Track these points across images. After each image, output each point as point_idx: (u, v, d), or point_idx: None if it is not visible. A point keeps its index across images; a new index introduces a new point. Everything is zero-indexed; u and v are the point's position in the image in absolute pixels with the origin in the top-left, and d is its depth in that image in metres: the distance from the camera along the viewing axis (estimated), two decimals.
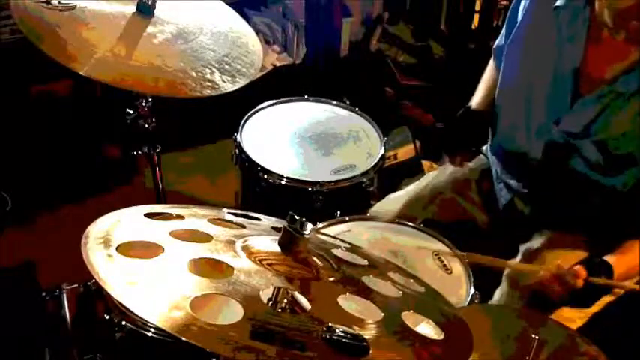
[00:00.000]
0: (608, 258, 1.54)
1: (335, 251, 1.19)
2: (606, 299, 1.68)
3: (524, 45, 1.65)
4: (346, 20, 3.27)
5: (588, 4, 1.51)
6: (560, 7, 1.55)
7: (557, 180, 1.66)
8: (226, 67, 1.58)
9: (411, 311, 1.05)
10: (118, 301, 0.91)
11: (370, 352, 0.91)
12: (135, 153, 1.83)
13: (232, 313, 0.91)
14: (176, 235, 1.05)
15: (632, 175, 1.56)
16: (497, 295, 1.70)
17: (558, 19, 1.56)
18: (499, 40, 1.81)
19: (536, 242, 1.71)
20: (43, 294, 1.64)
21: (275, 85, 2.92)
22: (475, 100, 1.85)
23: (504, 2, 3.29)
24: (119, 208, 1.12)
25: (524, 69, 1.66)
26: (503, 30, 1.78)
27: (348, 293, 1.04)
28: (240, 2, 2.34)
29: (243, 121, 1.93)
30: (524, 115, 1.65)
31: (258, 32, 3.11)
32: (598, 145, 1.55)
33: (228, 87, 1.54)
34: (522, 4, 1.66)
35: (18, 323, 1.77)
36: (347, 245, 1.29)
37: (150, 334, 1.33)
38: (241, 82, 1.57)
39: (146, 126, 1.77)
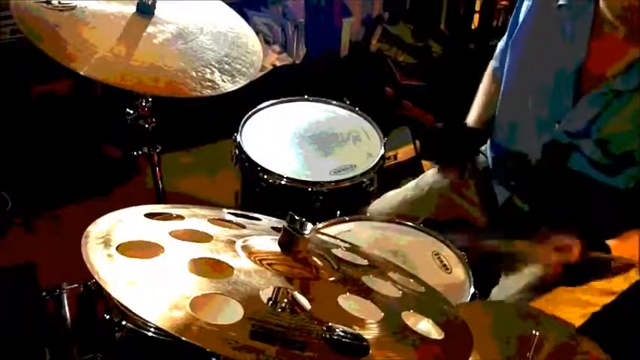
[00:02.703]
0: (609, 242, 1.54)
1: (335, 251, 1.19)
2: (607, 299, 1.68)
3: (527, 44, 1.66)
4: (346, 20, 3.27)
5: (592, 1, 1.51)
6: (565, 5, 1.55)
7: (557, 179, 1.66)
8: (226, 67, 1.58)
9: (411, 311, 1.06)
10: (118, 301, 0.91)
11: (370, 352, 0.91)
12: (135, 153, 1.83)
13: (232, 313, 0.91)
14: (176, 235, 1.05)
15: (633, 174, 1.56)
16: (496, 291, 1.70)
17: (562, 17, 1.56)
18: (502, 44, 1.81)
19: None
20: (43, 294, 1.64)
21: (275, 85, 2.92)
22: (471, 118, 1.85)
23: (504, 2, 3.29)
24: (119, 208, 1.12)
25: (526, 68, 1.66)
26: (504, 37, 1.78)
27: (348, 293, 1.04)
28: (240, 2, 2.34)
29: (243, 121, 1.93)
30: (527, 114, 1.65)
31: (258, 32, 3.11)
32: (599, 144, 1.55)
33: (228, 87, 1.54)
34: (525, 4, 1.66)
35: (18, 323, 1.77)
36: (347, 245, 1.29)
37: (150, 334, 1.33)
38: (241, 82, 1.57)
39: (146, 126, 1.77)
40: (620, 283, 1.67)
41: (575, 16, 1.54)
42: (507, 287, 1.70)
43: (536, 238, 1.59)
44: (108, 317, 1.40)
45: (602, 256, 1.52)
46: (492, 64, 1.87)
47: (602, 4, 1.48)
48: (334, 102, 2.06)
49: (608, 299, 1.67)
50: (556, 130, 1.60)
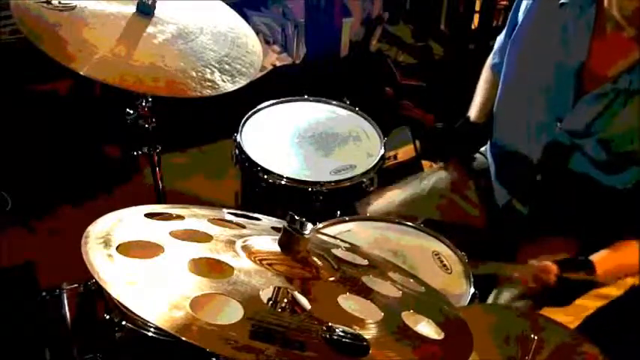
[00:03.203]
0: (594, 256, 1.54)
1: (335, 251, 1.19)
2: (600, 303, 1.68)
3: (527, 43, 1.65)
4: (346, 20, 3.27)
5: (595, 0, 1.51)
6: (567, 4, 1.55)
7: (557, 180, 1.66)
8: (226, 67, 1.58)
9: (411, 311, 1.06)
10: (118, 301, 0.91)
11: (370, 352, 0.91)
12: (135, 153, 1.83)
13: (232, 313, 0.91)
14: (176, 235, 1.05)
15: (633, 174, 1.56)
16: (492, 297, 1.70)
17: (564, 16, 1.56)
18: (501, 41, 1.81)
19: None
20: (43, 294, 1.64)
21: (275, 85, 2.92)
22: (473, 113, 1.85)
23: (504, 2, 3.29)
24: (119, 208, 1.12)
25: (527, 66, 1.65)
26: (502, 34, 1.78)
27: (348, 293, 1.04)
28: (240, 2, 2.34)
29: (243, 121, 1.93)
30: (526, 114, 1.65)
31: (258, 32, 3.12)
32: (601, 144, 1.55)
33: (228, 87, 1.54)
34: (524, 3, 1.66)
35: (18, 323, 1.77)
36: (347, 245, 1.29)
37: (150, 334, 1.33)
38: (241, 82, 1.57)
39: (146, 126, 1.77)
40: (613, 290, 1.67)
41: (577, 15, 1.54)
42: (502, 295, 1.70)
43: (518, 261, 1.59)
44: (108, 317, 1.40)
45: (583, 277, 1.52)
46: (491, 59, 1.87)
47: (608, 4, 1.47)
48: (334, 102, 2.07)
49: (602, 303, 1.67)
50: (557, 130, 1.60)
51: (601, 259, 1.53)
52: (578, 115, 1.56)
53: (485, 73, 1.89)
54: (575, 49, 1.54)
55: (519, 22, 1.67)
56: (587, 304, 1.66)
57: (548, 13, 1.59)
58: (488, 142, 1.88)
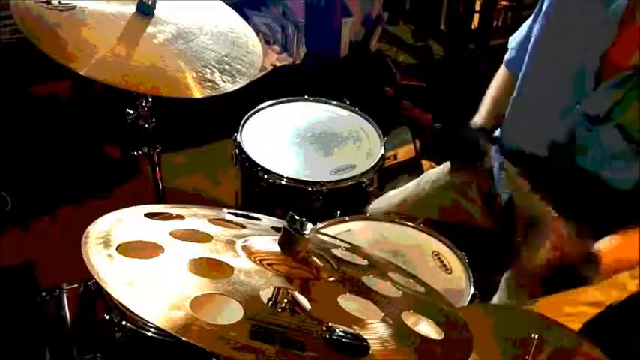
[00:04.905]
0: (602, 242, 1.54)
1: (335, 251, 1.19)
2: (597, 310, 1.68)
3: (555, 25, 1.64)
4: (346, 20, 3.27)
5: None
6: None
7: (562, 177, 1.65)
8: (226, 67, 1.58)
9: (411, 311, 1.06)
10: (118, 301, 0.91)
11: (370, 352, 0.91)
12: (135, 153, 1.83)
13: (232, 313, 0.91)
14: (176, 235, 1.05)
15: None
16: (496, 299, 1.70)
17: (593, 3, 1.56)
18: (520, 37, 1.81)
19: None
20: (43, 294, 1.64)
21: (275, 85, 2.92)
22: (482, 114, 1.84)
23: (504, 2, 3.30)
24: (119, 208, 1.12)
25: (552, 49, 1.65)
26: (520, 30, 1.78)
27: (348, 293, 1.04)
28: (240, 2, 2.34)
29: (243, 121, 1.93)
30: (548, 101, 1.64)
31: (258, 32, 3.11)
32: (619, 130, 1.54)
33: (228, 87, 1.54)
34: None
35: (18, 323, 1.77)
36: (347, 245, 1.29)
37: (150, 334, 1.33)
38: (241, 82, 1.57)
39: (146, 126, 1.77)
40: (612, 294, 1.66)
41: (606, 4, 1.54)
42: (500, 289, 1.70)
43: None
44: (108, 317, 1.40)
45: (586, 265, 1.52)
46: (506, 57, 1.86)
47: None
48: (334, 102, 2.07)
49: (598, 309, 1.66)
50: (576, 112, 1.58)
51: (609, 246, 1.53)
52: (597, 100, 1.55)
53: (498, 76, 1.88)
54: (602, 35, 1.54)
55: (544, 9, 1.67)
56: (586, 310, 1.65)
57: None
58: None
